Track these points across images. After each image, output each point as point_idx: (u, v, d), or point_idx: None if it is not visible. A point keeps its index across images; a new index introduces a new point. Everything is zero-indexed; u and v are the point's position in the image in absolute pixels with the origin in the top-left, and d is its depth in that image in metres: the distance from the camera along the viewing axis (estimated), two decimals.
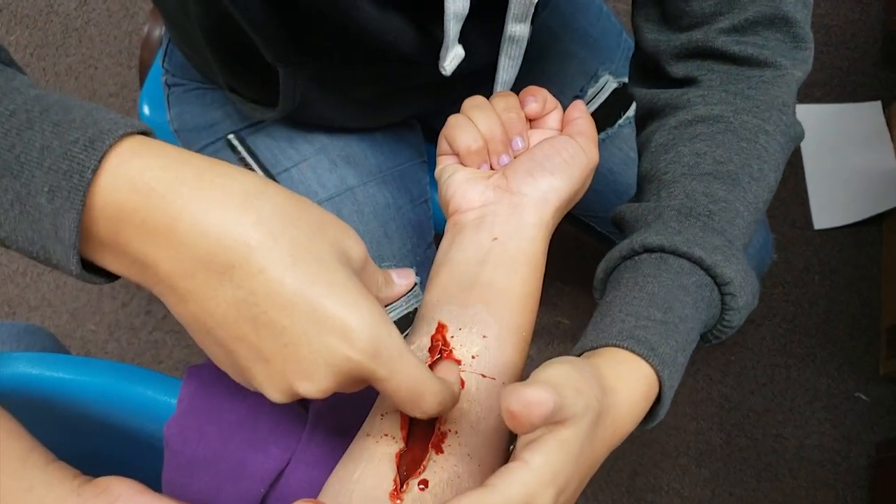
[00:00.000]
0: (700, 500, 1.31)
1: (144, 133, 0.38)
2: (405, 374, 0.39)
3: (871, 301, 1.41)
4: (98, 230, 0.36)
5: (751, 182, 0.53)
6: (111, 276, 0.39)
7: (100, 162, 0.35)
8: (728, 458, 1.33)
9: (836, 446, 1.34)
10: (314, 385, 0.38)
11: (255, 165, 0.78)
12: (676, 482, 1.32)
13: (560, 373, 0.37)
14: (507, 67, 0.64)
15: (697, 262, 0.49)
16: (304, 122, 0.78)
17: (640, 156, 0.59)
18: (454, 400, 0.43)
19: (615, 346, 0.45)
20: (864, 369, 1.38)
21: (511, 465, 0.37)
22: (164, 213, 0.35)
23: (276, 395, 0.39)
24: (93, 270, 0.38)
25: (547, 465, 0.36)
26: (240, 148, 0.79)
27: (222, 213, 0.36)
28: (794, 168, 1.49)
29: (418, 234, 0.81)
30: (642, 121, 0.63)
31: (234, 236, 0.35)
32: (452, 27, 0.58)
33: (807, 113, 1.51)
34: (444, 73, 0.62)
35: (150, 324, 1.32)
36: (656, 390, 0.45)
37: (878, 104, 1.50)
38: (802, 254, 1.44)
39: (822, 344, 1.40)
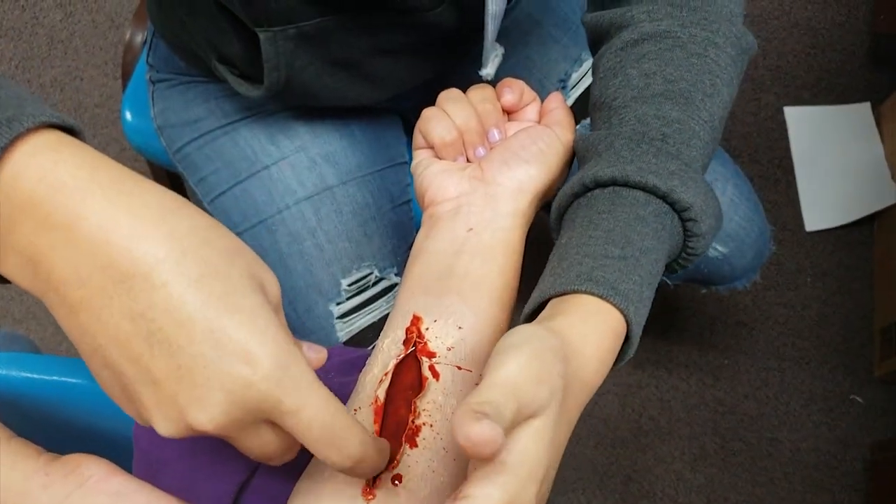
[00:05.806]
0: None
1: (72, 131, 0.35)
2: (317, 407, 0.35)
3: (864, 302, 1.40)
4: None
5: (704, 99, 0.51)
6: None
7: (12, 142, 0.33)
8: (723, 462, 1.31)
9: (832, 449, 1.32)
10: (207, 414, 0.34)
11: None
12: (671, 488, 1.30)
13: (517, 368, 0.35)
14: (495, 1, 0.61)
15: (652, 191, 0.46)
16: (294, 104, 0.76)
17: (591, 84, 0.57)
18: (383, 457, 0.39)
19: (574, 291, 0.43)
20: (859, 371, 1.36)
21: (486, 471, 0.34)
22: (71, 211, 0.33)
23: (164, 424, 0.35)
24: None
25: (524, 462, 0.34)
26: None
27: (133, 222, 0.33)
28: (784, 170, 1.48)
29: (399, 235, 0.80)
30: (593, 47, 0.60)
31: (142, 246, 0.33)
32: (491, 28, 0.57)
33: (796, 115, 1.51)
34: (486, 77, 0.62)
35: None
36: (624, 330, 0.43)
37: (867, 105, 1.50)
38: (794, 256, 1.43)
39: (815, 346, 1.38)
